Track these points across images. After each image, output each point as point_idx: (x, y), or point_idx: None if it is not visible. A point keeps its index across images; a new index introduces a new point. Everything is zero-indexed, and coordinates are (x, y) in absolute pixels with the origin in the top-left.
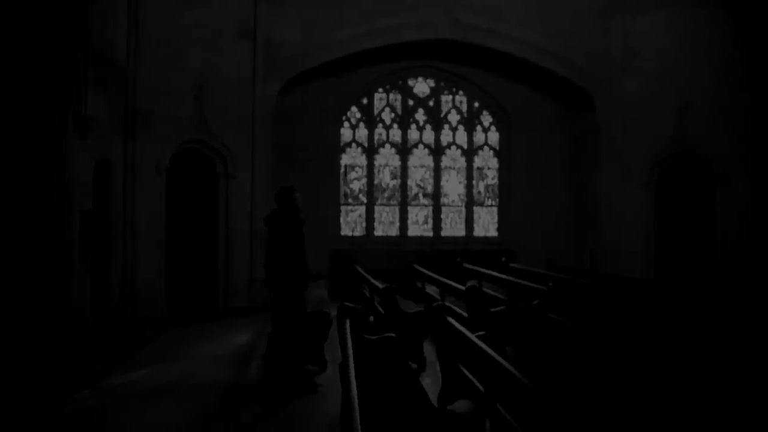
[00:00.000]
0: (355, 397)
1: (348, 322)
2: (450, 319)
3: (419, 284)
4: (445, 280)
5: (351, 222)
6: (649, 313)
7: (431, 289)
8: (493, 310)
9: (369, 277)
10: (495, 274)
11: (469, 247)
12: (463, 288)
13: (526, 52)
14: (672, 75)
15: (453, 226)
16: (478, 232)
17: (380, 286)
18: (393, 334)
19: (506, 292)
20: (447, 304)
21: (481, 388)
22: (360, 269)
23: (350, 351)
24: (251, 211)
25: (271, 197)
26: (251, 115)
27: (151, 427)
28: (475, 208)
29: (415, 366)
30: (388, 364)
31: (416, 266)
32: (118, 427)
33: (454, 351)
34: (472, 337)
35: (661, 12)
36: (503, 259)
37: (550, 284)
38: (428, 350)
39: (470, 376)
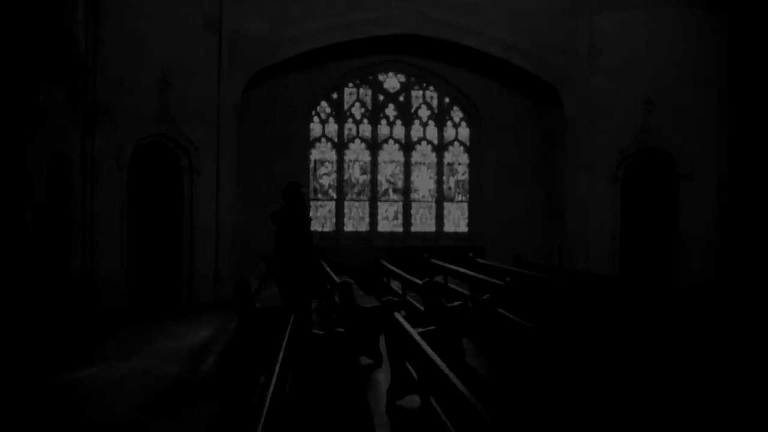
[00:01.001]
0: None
1: (293, 318)
2: (396, 315)
3: (385, 279)
4: (406, 275)
5: (321, 217)
6: (603, 309)
7: (395, 285)
8: (449, 305)
9: (331, 272)
10: (459, 269)
11: (439, 242)
12: (421, 283)
13: (495, 48)
14: (638, 72)
15: (423, 222)
16: (449, 227)
17: (338, 280)
18: (342, 330)
19: (468, 287)
20: (408, 298)
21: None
22: (325, 264)
23: (283, 348)
24: (216, 206)
25: (237, 192)
26: (217, 110)
27: (87, 428)
28: (445, 204)
29: (370, 362)
30: (336, 360)
31: (382, 262)
32: (55, 426)
33: (401, 347)
34: (413, 332)
35: (628, 10)
36: (471, 254)
37: (508, 279)
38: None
39: (413, 372)
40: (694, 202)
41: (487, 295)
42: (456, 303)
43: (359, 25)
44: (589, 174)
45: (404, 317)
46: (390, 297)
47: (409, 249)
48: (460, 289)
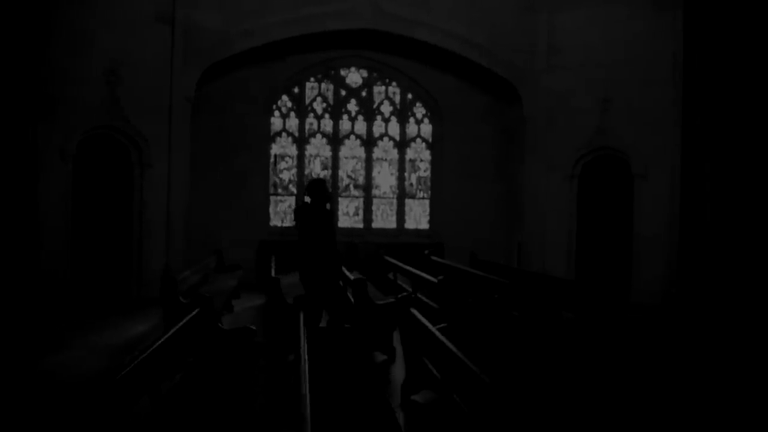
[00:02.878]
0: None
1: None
2: (413, 311)
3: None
4: (346, 272)
5: (280, 212)
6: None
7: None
8: (379, 302)
9: (273, 267)
10: (405, 267)
11: (399, 239)
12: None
13: (452, 43)
14: (595, 70)
15: (384, 218)
16: (410, 224)
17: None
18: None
19: (411, 284)
20: (348, 295)
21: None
22: (273, 262)
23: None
24: (168, 199)
25: (193, 186)
26: (169, 102)
27: None
28: (407, 201)
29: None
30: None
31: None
32: None
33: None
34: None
35: (586, 7)
36: (426, 252)
37: (440, 277)
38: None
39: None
40: (649, 202)
41: (404, 294)
42: (387, 301)
43: (315, 18)
44: (546, 172)
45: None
46: (405, 293)
47: (369, 245)
48: (407, 287)
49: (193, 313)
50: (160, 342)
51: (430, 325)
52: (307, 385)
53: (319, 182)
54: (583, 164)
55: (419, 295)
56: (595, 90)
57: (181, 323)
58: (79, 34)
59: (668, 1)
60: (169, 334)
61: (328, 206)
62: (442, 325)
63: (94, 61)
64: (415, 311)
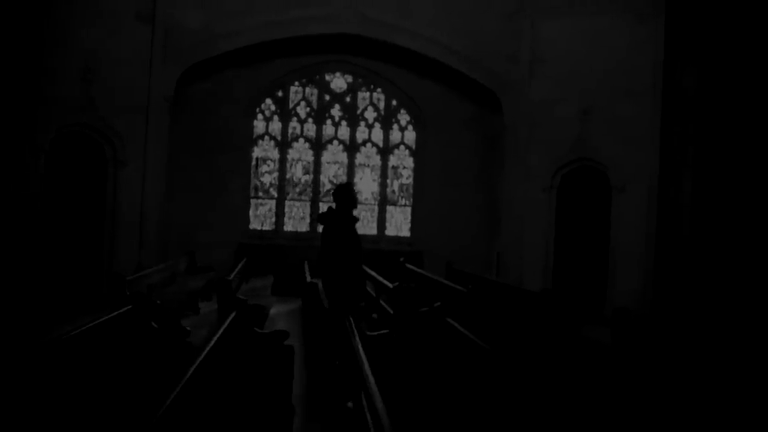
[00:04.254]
0: None
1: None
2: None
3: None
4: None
5: (261, 216)
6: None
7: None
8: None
9: (378, 277)
10: (369, 272)
11: (380, 246)
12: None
13: (435, 51)
14: (577, 81)
15: (365, 225)
16: (391, 231)
17: (391, 285)
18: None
19: (375, 289)
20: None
21: None
22: (243, 263)
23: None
24: (142, 198)
25: (170, 187)
26: (147, 101)
27: None
28: (388, 208)
29: None
30: None
31: (306, 263)
32: None
33: None
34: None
35: (569, 18)
36: (401, 259)
37: (396, 284)
38: None
39: None
40: (626, 215)
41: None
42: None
43: (298, 22)
44: (525, 182)
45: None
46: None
47: None
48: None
49: (122, 310)
50: (73, 333)
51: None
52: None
53: (346, 187)
54: (562, 175)
55: (381, 301)
56: (575, 100)
57: (102, 319)
58: (58, 30)
59: (650, 14)
60: (86, 327)
61: (354, 213)
62: (383, 331)
63: (71, 57)
64: (350, 320)
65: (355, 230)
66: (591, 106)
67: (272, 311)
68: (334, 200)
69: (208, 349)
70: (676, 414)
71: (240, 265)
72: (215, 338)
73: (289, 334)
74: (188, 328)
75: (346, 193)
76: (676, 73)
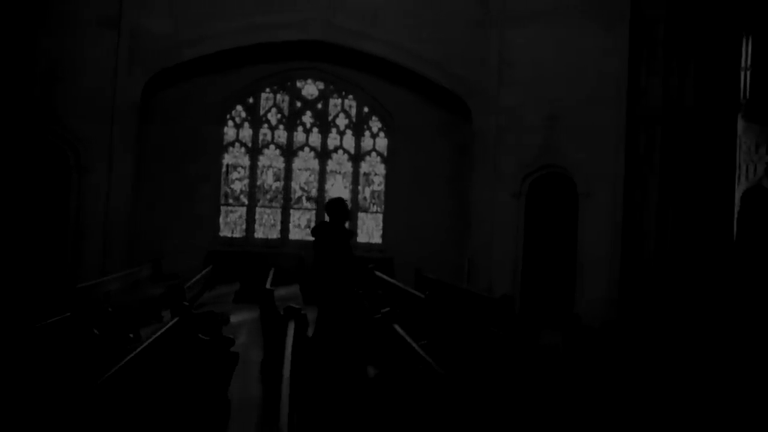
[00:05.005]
0: None
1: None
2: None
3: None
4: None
5: (231, 223)
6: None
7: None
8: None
9: (202, 276)
10: None
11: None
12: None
13: (404, 58)
14: (544, 88)
15: None
16: (362, 238)
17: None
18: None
19: None
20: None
21: None
22: (209, 270)
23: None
24: (107, 206)
25: (138, 193)
26: (112, 107)
27: None
28: (360, 215)
29: None
30: None
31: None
32: None
33: None
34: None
35: (536, 26)
36: (370, 266)
37: (361, 292)
38: None
39: None
40: (592, 222)
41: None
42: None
43: (266, 29)
44: (494, 189)
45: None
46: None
47: None
48: None
49: (59, 317)
50: None
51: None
52: None
53: (339, 201)
54: (530, 182)
55: None
56: (543, 107)
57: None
58: (20, 35)
59: (615, 22)
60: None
61: (347, 225)
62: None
63: (33, 61)
64: (292, 324)
65: (348, 244)
66: (558, 113)
67: (235, 319)
68: (327, 214)
69: (135, 352)
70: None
71: (204, 272)
72: (147, 342)
73: (234, 341)
74: (131, 335)
75: (337, 207)
76: (641, 80)
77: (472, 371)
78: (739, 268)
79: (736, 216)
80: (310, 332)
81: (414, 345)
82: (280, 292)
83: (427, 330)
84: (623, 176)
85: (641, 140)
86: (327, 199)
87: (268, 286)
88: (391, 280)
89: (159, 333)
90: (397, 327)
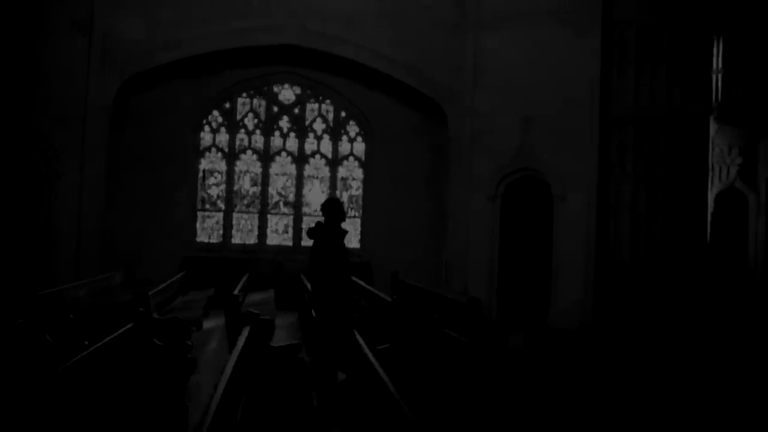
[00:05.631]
0: None
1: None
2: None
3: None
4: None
5: (208, 228)
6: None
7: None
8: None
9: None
10: (306, 283)
11: None
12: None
13: (379, 62)
14: (518, 91)
15: None
16: None
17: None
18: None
19: None
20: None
21: None
22: (182, 275)
23: None
24: (79, 211)
25: (113, 199)
26: (84, 111)
27: None
28: None
29: None
30: None
31: (245, 276)
32: None
33: None
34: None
35: (510, 30)
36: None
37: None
38: None
39: None
40: (567, 224)
41: None
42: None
43: (241, 33)
44: (470, 191)
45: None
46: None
47: (297, 262)
48: None
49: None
50: None
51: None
52: None
53: (334, 202)
54: (506, 184)
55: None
56: (518, 111)
57: None
58: None
59: (587, 25)
60: None
61: (342, 227)
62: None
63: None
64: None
65: (343, 244)
66: (532, 116)
67: (208, 325)
68: (323, 215)
69: (77, 357)
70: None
71: (176, 278)
72: (92, 348)
73: (191, 347)
74: (86, 342)
75: (334, 208)
76: (613, 82)
77: (418, 374)
78: (713, 269)
79: (709, 218)
80: (283, 338)
81: (366, 350)
82: (254, 297)
83: (391, 334)
84: (596, 178)
85: (614, 143)
86: (304, 204)
87: (236, 292)
88: (364, 285)
89: (108, 338)
90: (356, 332)
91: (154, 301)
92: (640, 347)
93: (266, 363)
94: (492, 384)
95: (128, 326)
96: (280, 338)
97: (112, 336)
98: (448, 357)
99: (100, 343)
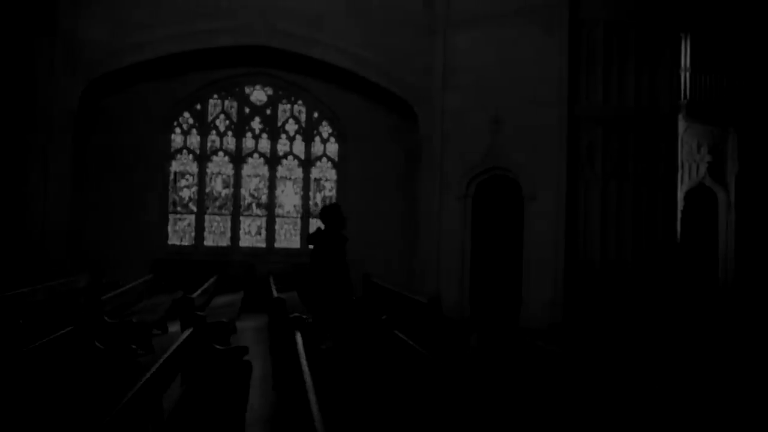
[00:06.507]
0: None
1: None
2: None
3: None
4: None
5: (180, 231)
6: None
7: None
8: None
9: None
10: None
11: (301, 259)
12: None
13: (350, 63)
14: (488, 91)
15: (288, 238)
16: None
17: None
18: None
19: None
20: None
21: None
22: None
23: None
24: (44, 215)
25: (81, 202)
26: (48, 114)
27: None
28: (311, 220)
29: None
30: None
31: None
32: None
33: None
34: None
35: (479, 30)
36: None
37: (278, 295)
38: None
39: None
40: (537, 224)
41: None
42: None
43: (207, 34)
44: (441, 192)
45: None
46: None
47: (269, 264)
48: None
49: None
50: None
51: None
52: None
53: (334, 208)
54: (476, 184)
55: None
56: (487, 110)
57: None
58: None
59: (555, 24)
60: None
61: (342, 233)
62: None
63: None
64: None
65: (344, 250)
66: (502, 116)
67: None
68: (323, 221)
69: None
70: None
71: (141, 281)
72: (28, 347)
73: (134, 347)
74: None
75: (332, 214)
76: (581, 81)
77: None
78: (684, 267)
79: (679, 216)
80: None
81: (300, 349)
82: (222, 299)
83: (340, 335)
84: (565, 178)
85: (583, 141)
86: (277, 205)
87: (194, 295)
88: None
89: (48, 337)
90: (297, 333)
91: (113, 304)
92: (607, 347)
93: (208, 363)
94: (431, 387)
95: (67, 329)
96: (245, 340)
97: (48, 338)
98: (393, 360)
99: (33, 345)
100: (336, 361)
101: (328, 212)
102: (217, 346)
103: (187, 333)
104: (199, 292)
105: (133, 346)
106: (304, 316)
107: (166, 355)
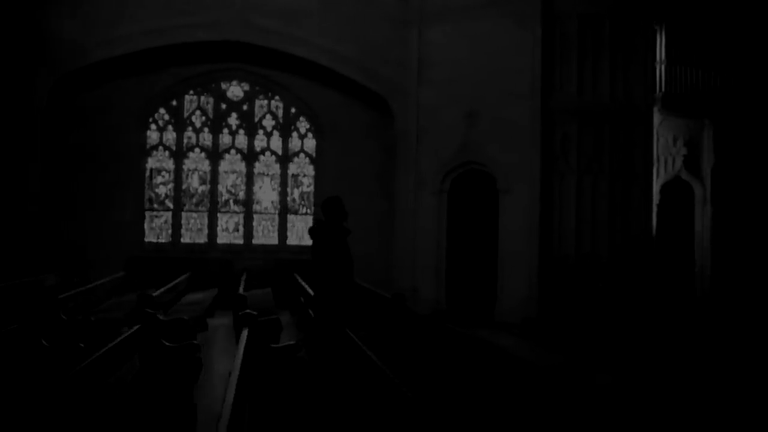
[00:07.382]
0: None
1: None
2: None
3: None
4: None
5: (156, 228)
6: None
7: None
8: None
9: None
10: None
11: (280, 255)
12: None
13: (326, 59)
14: (462, 85)
15: (266, 234)
16: (292, 240)
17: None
18: None
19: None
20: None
21: None
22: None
23: None
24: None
25: (53, 200)
26: (17, 112)
27: None
28: (289, 216)
29: None
30: None
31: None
32: None
33: None
34: None
35: (453, 23)
36: (294, 273)
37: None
38: None
39: None
40: (512, 218)
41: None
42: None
43: (181, 29)
44: (417, 187)
45: None
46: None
47: (251, 260)
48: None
49: None
50: None
51: None
52: None
53: (335, 201)
54: (452, 179)
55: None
56: (462, 104)
57: None
58: None
59: (528, 18)
60: None
61: (344, 225)
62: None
63: None
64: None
65: (346, 243)
66: (477, 110)
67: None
68: (324, 214)
69: None
70: None
71: (110, 278)
72: None
73: (83, 345)
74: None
75: (334, 207)
76: (555, 75)
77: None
78: (659, 260)
79: (655, 209)
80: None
81: (241, 349)
82: (193, 296)
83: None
84: (540, 172)
85: (558, 134)
86: (255, 201)
87: (156, 293)
88: (303, 284)
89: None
90: (244, 330)
91: (76, 301)
92: (577, 341)
93: (156, 360)
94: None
95: (14, 326)
96: (215, 337)
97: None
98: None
99: None
100: (288, 363)
101: (329, 204)
102: (167, 343)
103: (134, 329)
104: (163, 289)
105: (81, 345)
106: (267, 317)
107: (104, 350)
